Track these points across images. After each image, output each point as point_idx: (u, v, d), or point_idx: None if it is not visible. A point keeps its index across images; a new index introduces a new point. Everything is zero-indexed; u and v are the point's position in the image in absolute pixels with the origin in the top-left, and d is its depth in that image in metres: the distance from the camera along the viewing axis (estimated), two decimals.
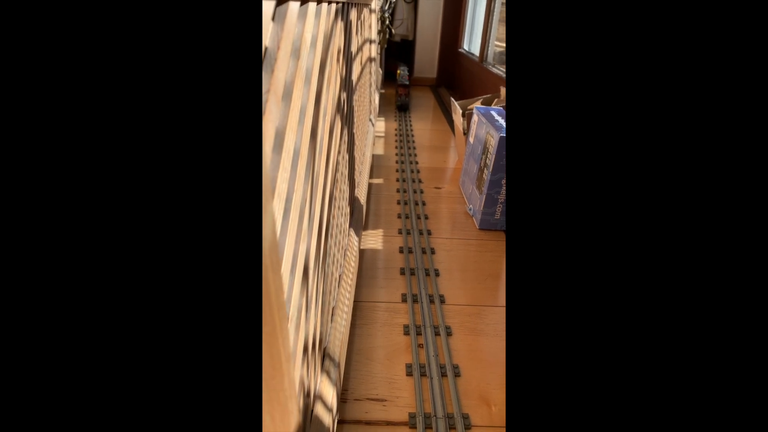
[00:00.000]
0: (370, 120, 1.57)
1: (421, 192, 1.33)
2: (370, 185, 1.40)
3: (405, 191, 1.33)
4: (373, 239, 1.06)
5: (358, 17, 0.92)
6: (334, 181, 0.56)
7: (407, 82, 2.35)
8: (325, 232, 0.49)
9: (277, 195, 0.27)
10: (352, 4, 0.75)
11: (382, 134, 1.95)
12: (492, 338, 0.75)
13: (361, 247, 1.03)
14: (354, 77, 0.83)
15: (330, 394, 0.48)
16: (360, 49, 0.99)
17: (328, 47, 0.47)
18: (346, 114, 0.68)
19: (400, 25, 3.02)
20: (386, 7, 2.44)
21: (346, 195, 0.73)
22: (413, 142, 1.84)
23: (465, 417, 0.60)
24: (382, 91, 2.83)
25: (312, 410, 0.44)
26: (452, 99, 1.53)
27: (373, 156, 1.66)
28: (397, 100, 2.37)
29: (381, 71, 2.87)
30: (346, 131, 0.68)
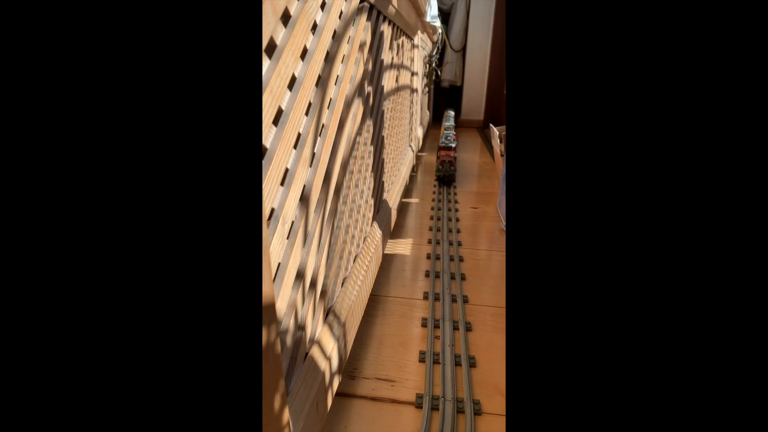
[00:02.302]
0: (410, 146, 1.63)
1: (456, 210, 1.34)
2: (405, 204, 1.43)
3: (440, 209, 1.34)
4: (402, 247, 1.07)
5: (394, 37, 1.00)
6: (351, 155, 0.59)
7: (453, 144, 1.66)
8: (335, 190, 0.51)
9: (269, 91, 0.31)
10: (384, 17, 0.83)
11: (422, 154, 2.00)
12: (498, 333, 0.71)
13: (390, 252, 1.04)
14: (386, 85, 0.89)
15: (330, 345, 0.48)
16: (396, 67, 1.07)
17: (346, 28, 0.52)
18: (372, 107, 0.73)
19: (447, 63, 3.15)
20: (434, 53, 2.59)
21: (370, 185, 0.76)
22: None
23: (476, 403, 0.56)
24: (428, 129, 2.93)
25: (308, 353, 0.44)
26: (491, 125, 1.56)
27: (411, 179, 1.71)
28: (438, 169, 1.63)
29: (429, 113, 2.99)
30: (371, 124, 0.73)
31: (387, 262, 0.99)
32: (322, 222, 0.47)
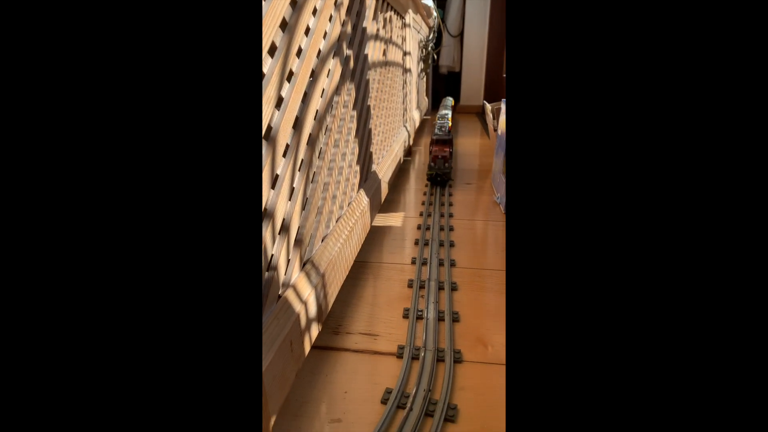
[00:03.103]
0: (405, 127, 1.64)
1: (450, 186, 1.34)
2: (399, 182, 1.43)
3: (434, 186, 1.34)
4: (394, 219, 1.08)
5: (380, 9, 1.00)
6: (327, 112, 0.60)
7: (448, 137, 1.38)
8: (309, 140, 0.52)
9: None
10: None
11: (418, 147, 1.99)
12: (500, 295, 0.72)
13: (382, 225, 1.04)
14: (370, 54, 0.89)
15: (306, 291, 0.49)
16: (383, 40, 1.07)
17: None
18: (354, 72, 0.74)
19: (444, 47, 3.12)
20: (430, 36, 2.58)
21: (355, 151, 0.77)
22: None
23: (456, 352, 0.57)
24: (427, 116, 2.92)
25: (281, 295, 0.45)
26: (484, 102, 1.55)
27: (406, 160, 1.71)
28: (429, 167, 1.33)
29: (427, 100, 2.99)
30: (353, 88, 0.73)
31: (378, 233, 0.99)
32: (294, 169, 0.47)
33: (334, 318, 0.66)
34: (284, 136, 0.44)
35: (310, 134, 0.53)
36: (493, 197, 1.23)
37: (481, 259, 0.85)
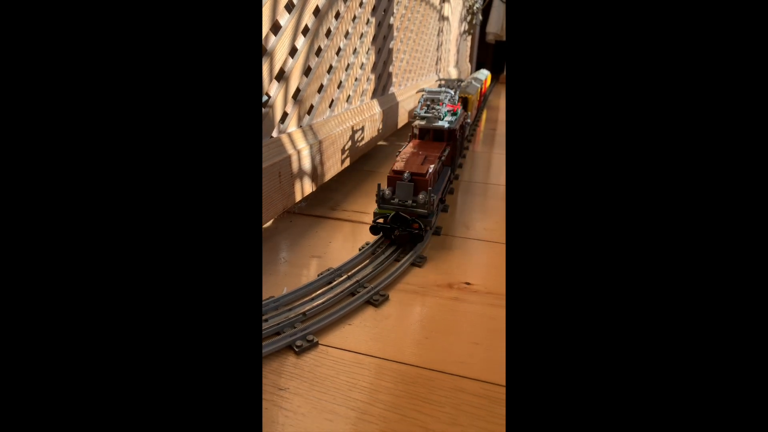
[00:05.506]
0: (438, 75, 1.65)
1: (472, 131, 1.35)
2: None
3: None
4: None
5: None
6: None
7: (448, 125, 0.66)
8: (315, 10, 0.57)
9: None
10: None
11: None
12: (493, 200, 0.74)
13: (395, 149, 1.08)
14: None
15: (301, 144, 0.54)
16: None
17: None
18: None
19: (495, 7, 3.03)
20: None
21: (371, 58, 0.81)
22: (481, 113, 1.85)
23: (438, 227, 0.61)
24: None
25: (274, 135, 0.51)
26: None
27: None
28: (380, 198, 0.52)
29: (469, 66, 2.94)
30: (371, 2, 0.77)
31: (392, 155, 1.03)
32: (296, 26, 0.52)
33: (333, 201, 0.71)
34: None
35: (318, 6, 0.57)
36: None
37: (481, 175, 0.87)
